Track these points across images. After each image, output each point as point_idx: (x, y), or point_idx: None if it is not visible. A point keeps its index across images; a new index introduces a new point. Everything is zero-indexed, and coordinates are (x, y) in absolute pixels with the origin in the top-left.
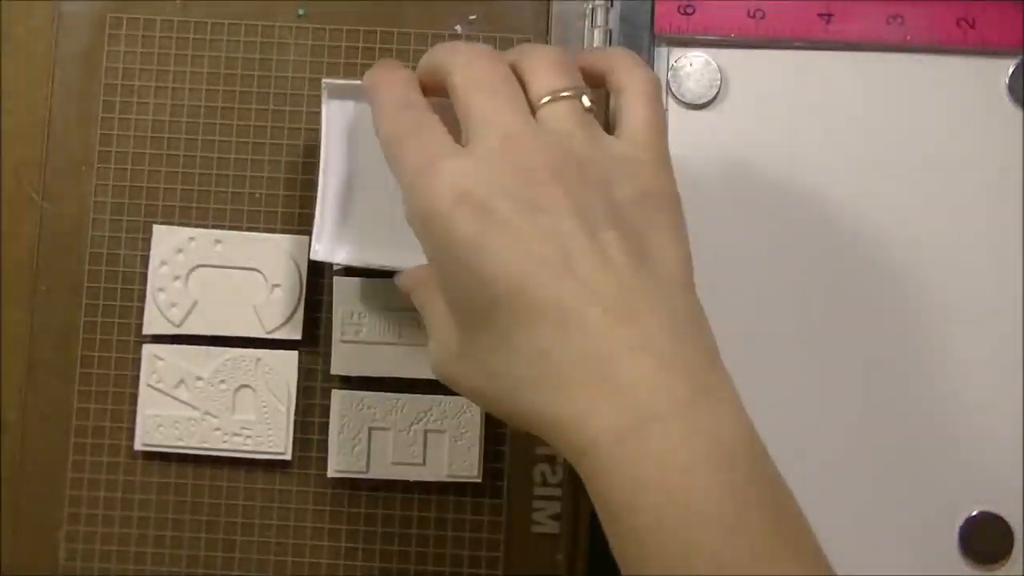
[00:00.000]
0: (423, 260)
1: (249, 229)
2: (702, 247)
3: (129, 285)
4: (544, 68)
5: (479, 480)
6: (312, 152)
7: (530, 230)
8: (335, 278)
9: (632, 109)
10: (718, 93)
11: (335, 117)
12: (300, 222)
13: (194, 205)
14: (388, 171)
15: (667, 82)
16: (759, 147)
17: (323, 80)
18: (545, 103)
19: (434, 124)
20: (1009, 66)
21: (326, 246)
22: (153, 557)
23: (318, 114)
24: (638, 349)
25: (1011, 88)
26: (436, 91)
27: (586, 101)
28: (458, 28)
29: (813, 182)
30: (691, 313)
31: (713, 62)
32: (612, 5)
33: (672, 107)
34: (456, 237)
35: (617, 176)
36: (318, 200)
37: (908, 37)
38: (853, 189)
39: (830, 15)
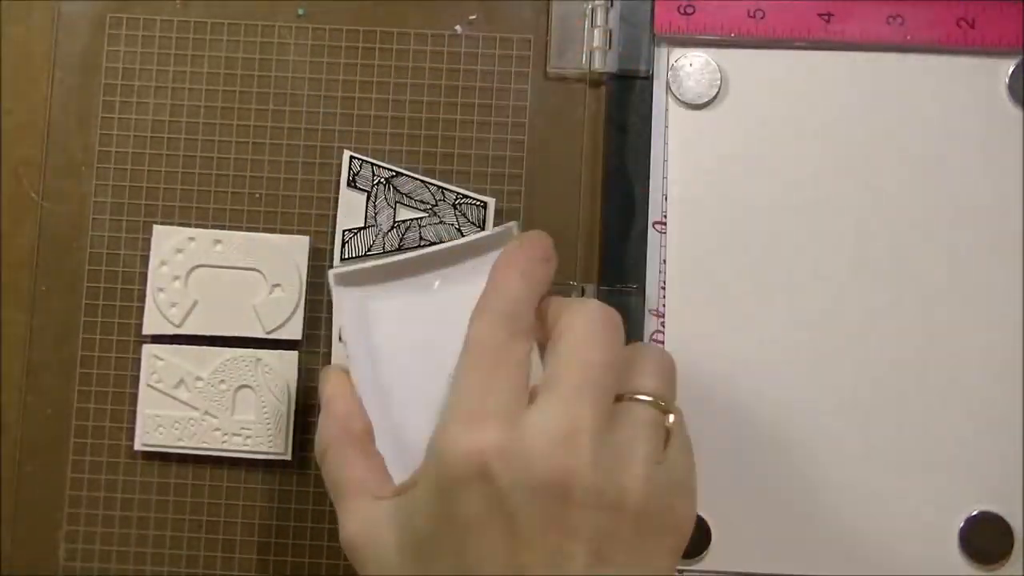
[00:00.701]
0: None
1: (249, 229)
2: (701, 246)
3: (129, 285)
4: (651, 369)
5: None
6: (311, 152)
7: (530, 546)
8: None
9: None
10: (718, 93)
11: (347, 306)
12: (300, 222)
13: (194, 205)
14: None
15: (667, 82)
16: (759, 147)
17: (329, 272)
18: (632, 399)
19: (516, 364)
20: (1009, 66)
21: None
22: (153, 557)
23: (318, 114)
24: None
25: (1011, 88)
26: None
27: (671, 419)
28: (458, 28)
29: (813, 182)
30: None
31: (713, 62)
32: (612, 5)
33: (672, 107)
34: (457, 511)
35: (655, 510)
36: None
37: (908, 37)
38: (853, 189)
39: (830, 15)
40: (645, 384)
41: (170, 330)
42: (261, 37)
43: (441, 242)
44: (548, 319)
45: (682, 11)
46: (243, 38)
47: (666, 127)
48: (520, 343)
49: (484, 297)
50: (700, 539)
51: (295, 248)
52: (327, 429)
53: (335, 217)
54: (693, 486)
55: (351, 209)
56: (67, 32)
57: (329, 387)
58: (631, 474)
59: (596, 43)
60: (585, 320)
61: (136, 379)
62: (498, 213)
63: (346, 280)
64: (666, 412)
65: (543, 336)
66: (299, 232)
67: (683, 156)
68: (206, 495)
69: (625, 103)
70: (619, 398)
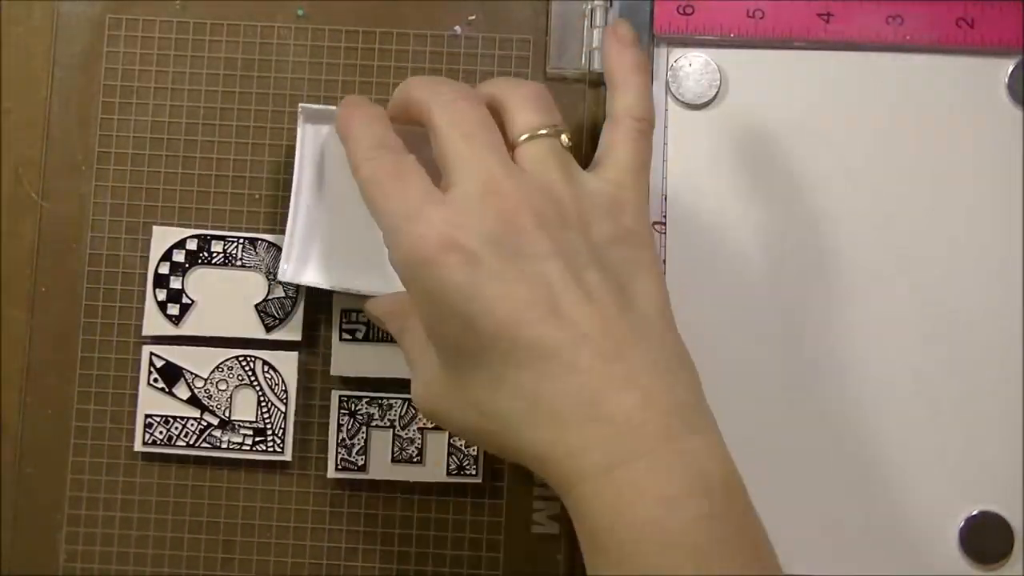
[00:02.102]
0: (392, 286)
1: (249, 229)
2: (701, 246)
3: (128, 286)
4: (523, 105)
5: (479, 480)
6: None
7: (517, 275)
8: None
9: (620, 146)
10: (717, 93)
11: (309, 141)
12: None
13: (194, 206)
14: (360, 197)
15: (667, 82)
16: (759, 147)
17: (300, 105)
18: (523, 141)
19: (414, 168)
20: (1008, 66)
21: (295, 267)
22: (153, 558)
23: None
24: (625, 386)
25: (1011, 88)
26: (407, 122)
27: (564, 139)
28: (457, 28)
29: (812, 182)
30: (675, 350)
31: (713, 62)
32: (612, 5)
33: (672, 107)
34: (445, 284)
35: (596, 215)
36: (289, 221)
37: (908, 37)
38: (853, 189)
39: (830, 15)
40: (525, 122)
41: (170, 330)
42: (261, 38)
43: None
44: (423, 119)
45: (682, 11)
46: (243, 39)
47: (665, 127)
48: (403, 155)
49: (350, 152)
50: None
51: None
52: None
53: None
54: (627, 196)
55: None
56: (67, 32)
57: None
58: (557, 193)
59: (596, 43)
60: (440, 100)
61: (136, 380)
62: None
63: (314, 117)
64: (557, 135)
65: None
66: None
67: (683, 156)
68: (206, 496)
69: None
70: (512, 147)
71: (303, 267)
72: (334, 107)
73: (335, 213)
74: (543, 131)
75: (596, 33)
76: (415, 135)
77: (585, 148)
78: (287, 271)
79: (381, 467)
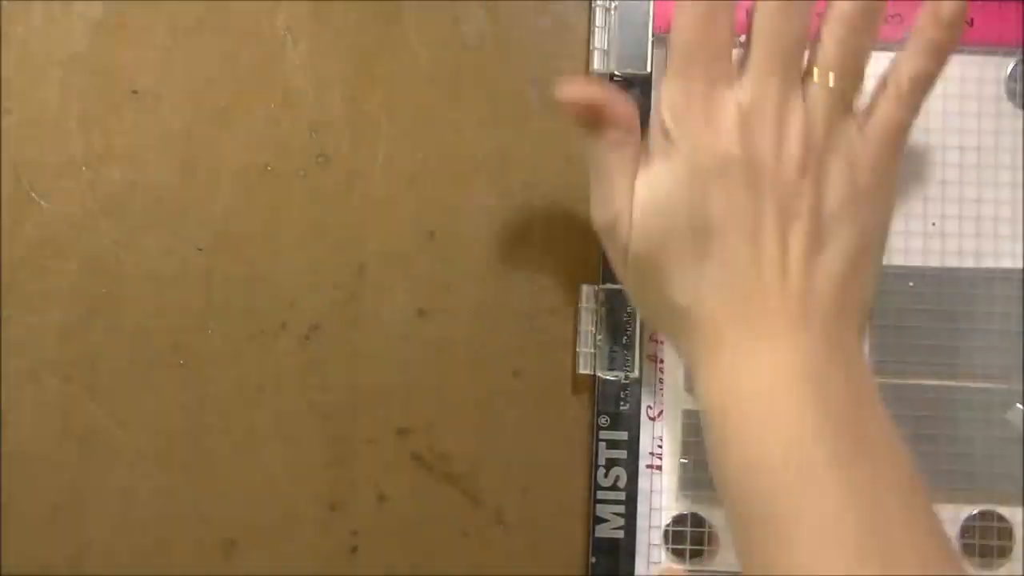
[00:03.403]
0: None
1: None
2: None
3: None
4: (839, 38)
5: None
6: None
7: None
8: None
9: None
10: None
11: None
12: None
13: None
14: None
15: None
16: None
17: None
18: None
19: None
20: (1007, 65)
21: None
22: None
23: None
24: None
25: (1009, 87)
26: None
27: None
28: None
29: None
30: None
31: None
32: (612, 5)
33: None
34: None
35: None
36: None
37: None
38: None
39: None
40: (823, 56)
41: None
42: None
43: None
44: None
45: None
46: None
47: None
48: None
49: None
50: (701, 539)
51: None
52: None
53: None
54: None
55: None
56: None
57: None
58: (787, 152)
59: (596, 43)
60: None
61: None
62: None
63: None
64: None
65: None
66: None
67: None
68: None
69: None
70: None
71: None
72: None
73: None
74: (836, 77)
75: (596, 33)
76: None
77: None
78: None
79: None
